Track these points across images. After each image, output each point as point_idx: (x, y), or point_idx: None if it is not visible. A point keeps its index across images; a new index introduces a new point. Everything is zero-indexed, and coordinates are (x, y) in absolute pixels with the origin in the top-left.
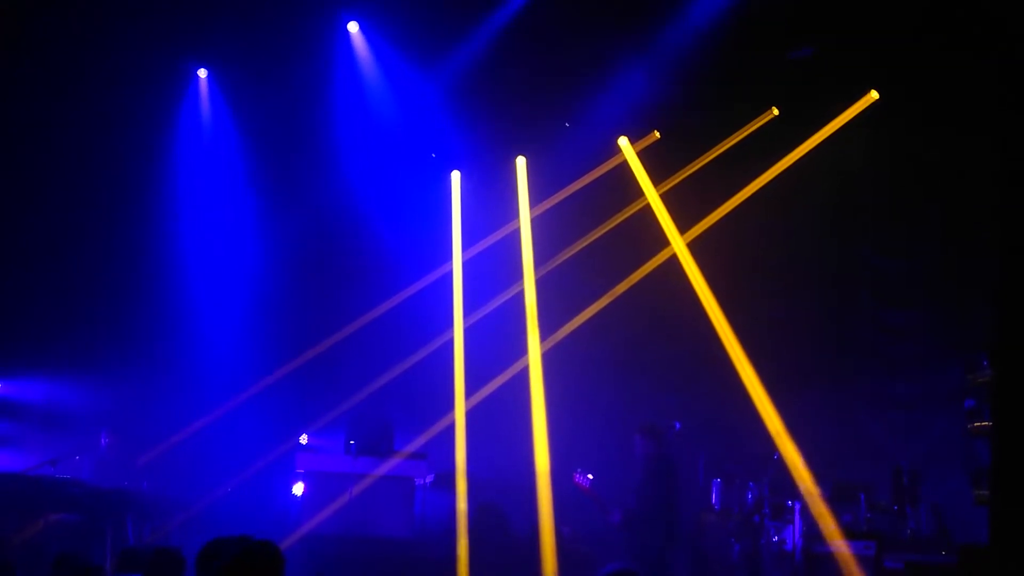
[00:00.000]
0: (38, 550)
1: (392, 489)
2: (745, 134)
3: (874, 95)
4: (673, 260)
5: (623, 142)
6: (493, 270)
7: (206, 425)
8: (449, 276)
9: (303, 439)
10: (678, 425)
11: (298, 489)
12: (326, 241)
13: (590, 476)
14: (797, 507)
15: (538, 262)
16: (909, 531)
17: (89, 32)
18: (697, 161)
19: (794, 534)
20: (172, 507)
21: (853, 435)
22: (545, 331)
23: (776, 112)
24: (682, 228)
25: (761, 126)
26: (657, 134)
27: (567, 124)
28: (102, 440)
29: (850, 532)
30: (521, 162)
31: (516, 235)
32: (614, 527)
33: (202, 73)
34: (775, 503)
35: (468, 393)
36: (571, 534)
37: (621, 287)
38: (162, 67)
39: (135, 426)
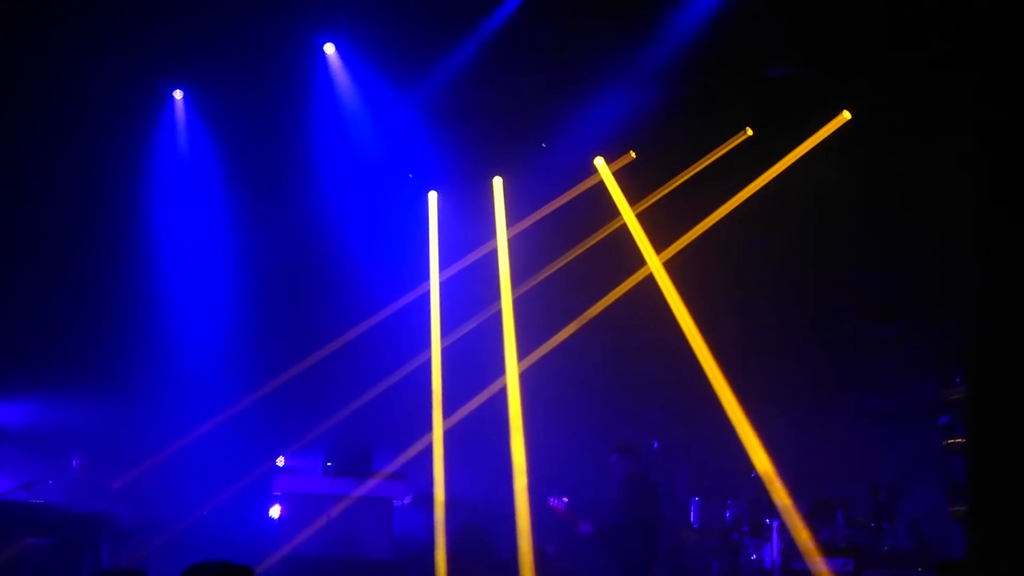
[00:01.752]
0: None
1: (370, 510)
2: (720, 154)
3: (846, 115)
4: (651, 279)
5: (599, 162)
6: (471, 290)
7: (183, 447)
8: (427, 296)
9: (280, 461)
10: (656, 444)
11: (275, 512)
12: (304, 262)
13: (565, 499)
14: (775, 524)
15: (516, 282)
16: (887, 547)
17: (63, 53)
18: (673, 181)
19: (772, 552)
20: (148, 530)
21: (832, 451)
22: (523, 350)
23: (750, 132)
24: (659, 247)
25: (736, 146)
26: (633, 154)
27: (544, 144)
28: (74, 462)
29: (828, 549)
30: (498, 182)
31: (494, 255)
32: (584, 538)
33: (178, 94)
34: (754, 520)
35: (447, 413)
36: (555, 552)
37: (599, 306)
38: (137, 89)
39: (111, 448)
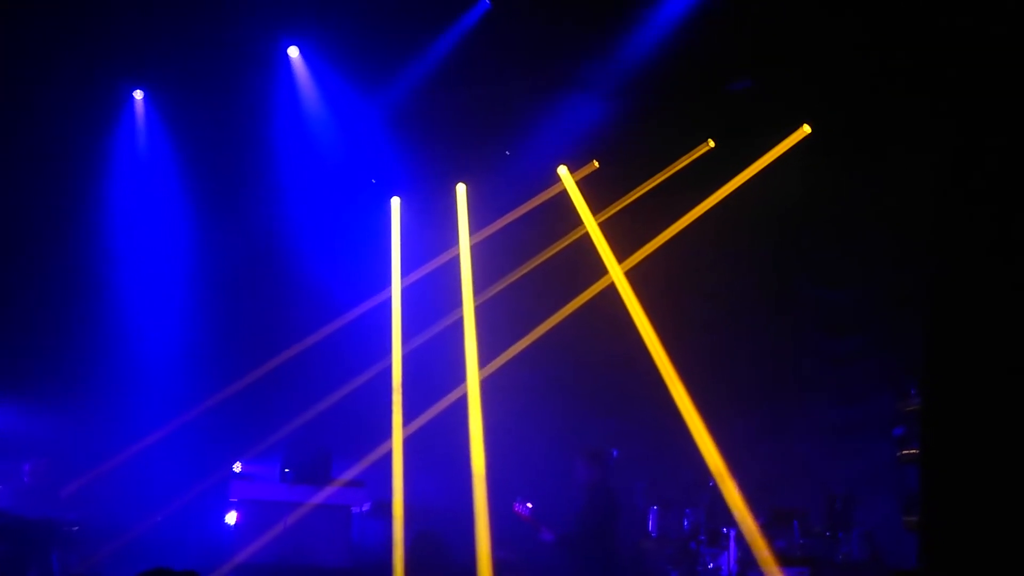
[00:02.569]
0: None
1: (328, 517)
2: (682, 165)
3: (806, 129)
4: (613, 288)
5: (563, 171)
6: (433, 297)
7: (137, 452)
8: (388, 302)
9: (237, 467)
10: (616, 452)
11: (231, 518)
12: (264, 266)
13: (529, 504)
14: (732, 534)
15: (478, 289)
16: (841, 556)
17: (22, 50)
18: (635, 191)
19: (729, 561)
20: (100, 537)
21: (788, 461)
22: (485, 358)
23: (712, 144)
24: (621, 257)
25: (700, 157)
26: (596, 164)
27: (507, 152)
28: (25, 468)
29: (784, 558)
30: (461, 189)
31: (456, 262)
32: (546, 545)
33: (138, 95)
34: (711, 530)
35: (407, 420)
36: (510, 559)
37: (561, 314)
38: (97, 88)
39: (63, 454)
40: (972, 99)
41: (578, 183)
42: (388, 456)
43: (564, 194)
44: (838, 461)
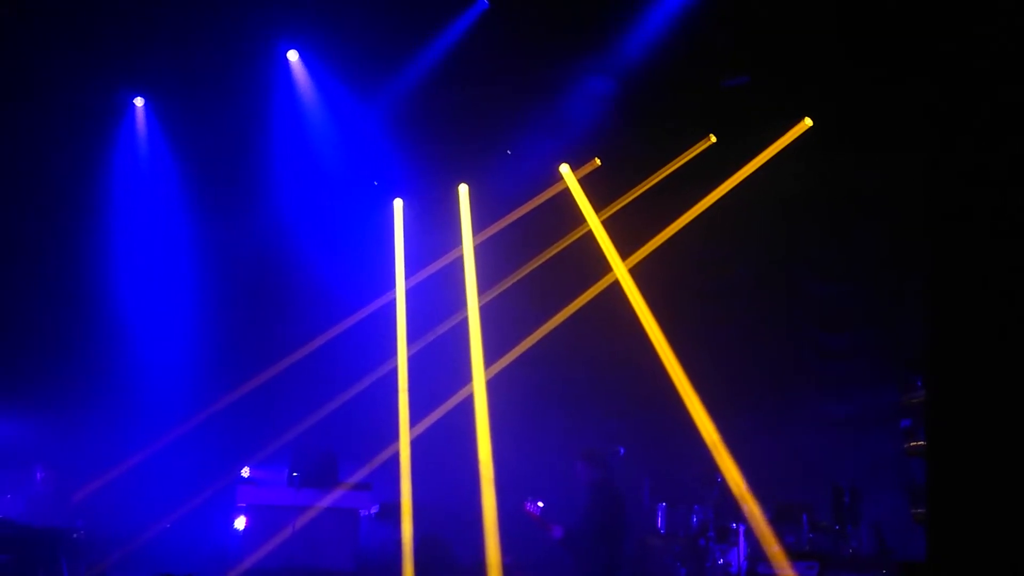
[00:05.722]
0: None
1: (336, 521)
2: (684, 161)
3: (808, 122)
4: (616, 286)
5: (564, 169)
6: (437, 298)
7: (144, 459)
8: (393, 304)
9: (245, 472)
10: (622, 450)
11: (240, 523)
12: (268, 270)
13: (540, 504)
14: (741, 529)
15: (482, 289)
16: (850, 550)
17: (23, 59)
18: (638, 188)
19: (739, 556)
20: (108, 545)
21: (795, 456)
22: (490, 358)
23: (714, 139)
24: (624, 254)
25: (700, 153)
26: (598, 161)
27: (509, 152)
28: (37, 475)
29: (793, 553)
30: (464, 189)
31: (460, 262)
32: (555, 542)
33: (139, 102)
34: (719, 526)
35: (413, 422)
36: (513, 562)
37: (565, 313)
38: (98, 96)
39: (70, 461)
40: (971, 93)
41: (580, 181)
42: (395, 458)
43: (566, 192)
44: (842, 454)
